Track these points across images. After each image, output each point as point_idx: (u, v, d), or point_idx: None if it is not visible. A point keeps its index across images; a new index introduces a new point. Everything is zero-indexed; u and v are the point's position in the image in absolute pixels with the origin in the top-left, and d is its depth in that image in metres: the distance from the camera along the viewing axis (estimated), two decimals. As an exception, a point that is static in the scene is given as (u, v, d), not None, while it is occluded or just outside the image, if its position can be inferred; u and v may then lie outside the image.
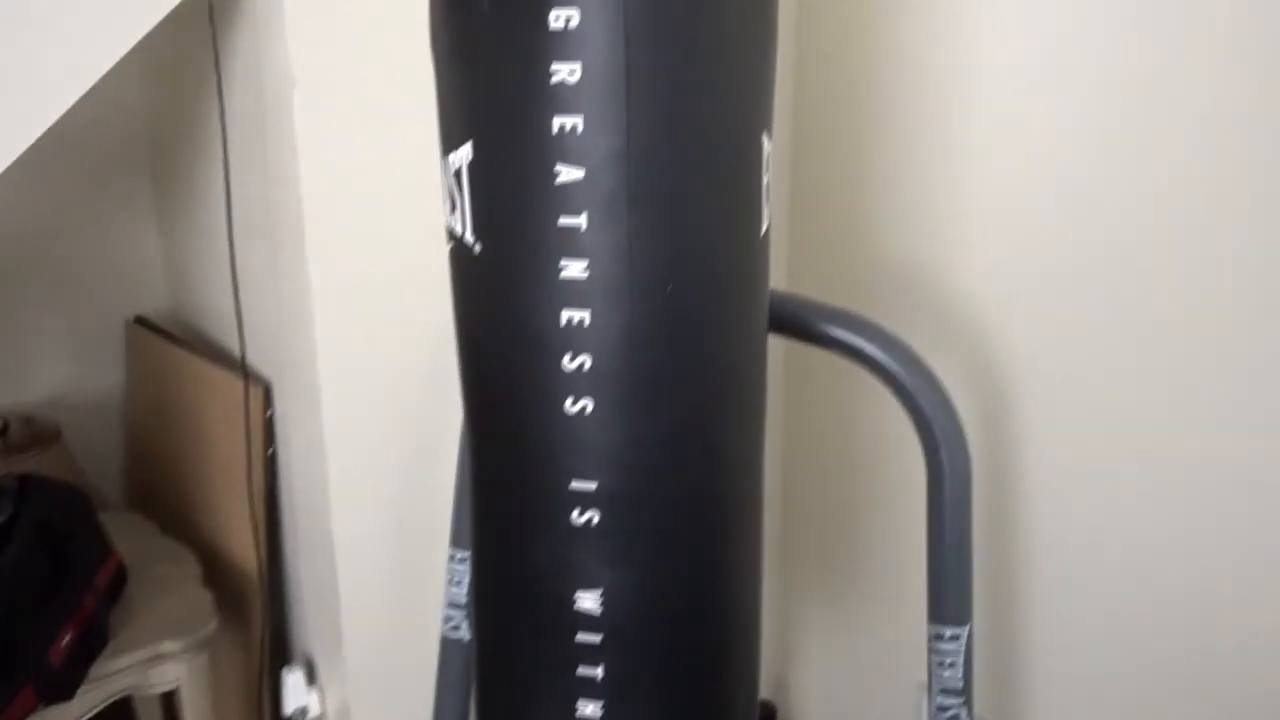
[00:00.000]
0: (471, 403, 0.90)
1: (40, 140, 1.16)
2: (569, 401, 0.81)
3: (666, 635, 0.86)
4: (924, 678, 1.60)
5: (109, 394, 1.92)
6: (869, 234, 1.58)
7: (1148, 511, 1.32)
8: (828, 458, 1.75)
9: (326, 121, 1.25)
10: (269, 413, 1.53)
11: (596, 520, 0.83)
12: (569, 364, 0.80)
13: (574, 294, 0.78)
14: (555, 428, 0.81)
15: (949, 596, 1.15)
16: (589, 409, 0.81)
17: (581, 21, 0.74)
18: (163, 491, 1.80)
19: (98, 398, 1.92)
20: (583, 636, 0.85)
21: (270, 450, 1.54)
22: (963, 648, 1.15)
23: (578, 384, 0.80)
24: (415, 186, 1.30)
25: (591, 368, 0.80)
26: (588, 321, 0.79)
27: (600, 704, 0.85)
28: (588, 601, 0.84)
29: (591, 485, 0.82)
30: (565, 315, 0.79)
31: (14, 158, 1.17)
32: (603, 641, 0.84)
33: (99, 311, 1.90)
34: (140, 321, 1.88)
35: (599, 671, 0.85)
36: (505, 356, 0.83)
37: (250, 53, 1.34)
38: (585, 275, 0.78)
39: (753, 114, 0.82)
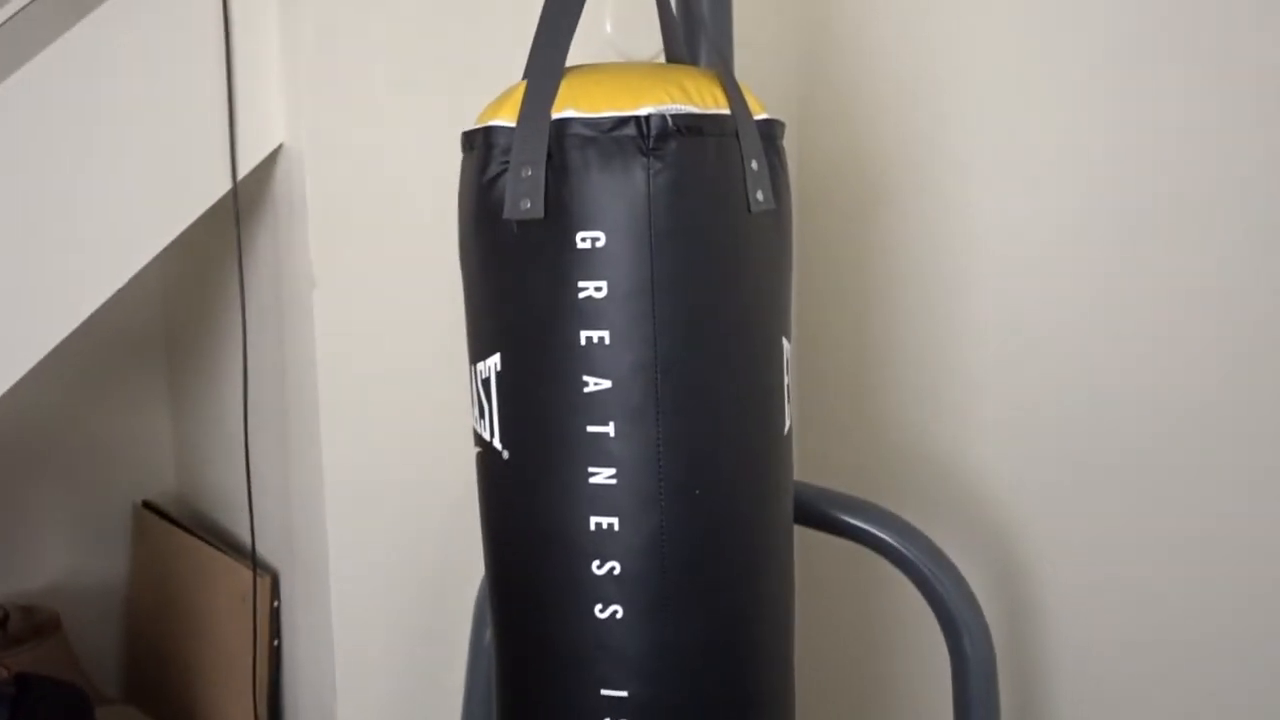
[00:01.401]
0: (498, 607, 0.89)
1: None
2: (598, 608, 0.80)
3: None
4: None
5: (112, 581, 1.89)
6: (877, 423, 1.60)
7: (1179, 700, 1.29)
8: (844, 647, 1.72)
9: (345, 321, 1.29)
10: (275, 604, 1.50)
11: (627, 730, 0.81)
12: (598, 570, 0.80)
13: (603, 500, 0.79)
14: (585, 634, 0.81)
15: (982, 788, 1.11)
16: (619, 614, 0.80)
17: (607, 242, 0.78)
18: (163, 683, 1.75)
19: (100, 584, 1.88)
20: None
21: (275, 642, 1.51)
22: (1000, 847, 1.11)
23: (607, 590, 0.80)
24: (430, 384, 1.33)
25: (621, 573, 0.80)
26: (617, 527, 0.79)
27: None
28: (619, 816, 0.82)
29: (623, 693, 0.81)
30: (594, 521, 0.80)
31: (43, 354, 1.19)
32: None
33: (106, 496, 1.89)
34: (148, 506, 1.87)
35: None
36: (534, 561, 0.83)
37: (271, 252, 1.39)
38: (614, 482, 0.79)
39: (772, 319, 0.85)
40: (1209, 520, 1.24)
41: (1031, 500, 1.40)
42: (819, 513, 1.13)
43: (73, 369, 1.84)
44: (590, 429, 0.79)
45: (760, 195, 0.82)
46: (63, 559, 1.86)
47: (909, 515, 1.13)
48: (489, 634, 1.28)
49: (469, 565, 1.29)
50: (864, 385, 1.61)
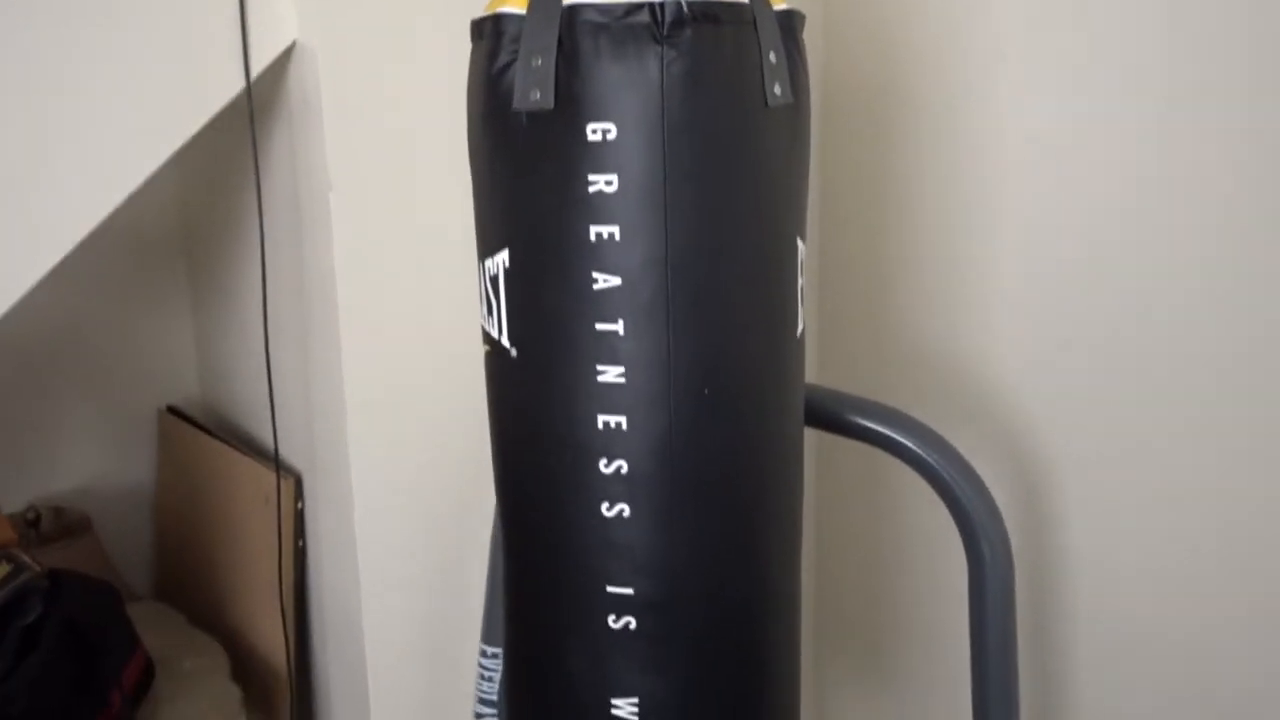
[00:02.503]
0: (507, 504, 0.89)
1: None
2: (605, 506, 0.80)
3: (706, 745, 0.84)
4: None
5: (140, 484, 1.93)
6: (896, 325, 1.58)
7: (1193, 595, 1.29)
8: (861, 551, 1.73)
9: (362, 224, 1.28)
10: (300, 505, 1.53)
11: (634, 625, 0.81)
12: (606, 468, 0.80)
13: (611, 399, 0.79)
14: (592, 532, 0.81)
15: (994, 692, 1.12)
16: (626, 513, 0.80)
17: (618, 135, 0.75)
18: (192, 582, 1.80)
19: (128, 487, 1.92)
20: (621, 745, 0.83)
21: (300, 543, 1.54)
22: (1009, 748, 1.12)
23: (615, 489, 0.80)
24: (448, 288, 1.32)
25: (629, 472, 0.79)
26: (625, 426, 0.79)
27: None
28: (625, 709, 0.83)
29: (629, 590, 0.81)
30: (602, 420, 0.79)
31: (60, 257, 1.19)
32: (642, 752, 0.82)
33: (131, 401, 1.91)
34: (172, 411, 1.90)
35: (638, 782, 0.83)
36: (542, 460, 0.83)
37: (287, 155, 1.37)
38: (622, 381, 0.78)
39: (787, 218, 0.83)
40: (1236, 431, 1.22)
41: (1052, 409, 1.39)
42: (838, 417, 1.12)
43: (94, 276, 1.85)
44: (599, 327, 0.78)
45: (778, 89, 0.79)
46: (91, 463, 1.89)
47: (927, 421, 1.12)
48: (501, 538, 1.31)
49: (489, 468, 1.30)
50: (884, 288, 1.59)
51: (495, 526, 1.30)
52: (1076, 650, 1.43)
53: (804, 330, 0.87)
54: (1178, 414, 1.27)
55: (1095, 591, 1.39)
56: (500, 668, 1.31)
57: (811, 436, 1.38)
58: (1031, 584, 1.46)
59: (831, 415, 1.13)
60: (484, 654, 1.31)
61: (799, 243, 0.85)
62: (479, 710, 1.31)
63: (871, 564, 1.72)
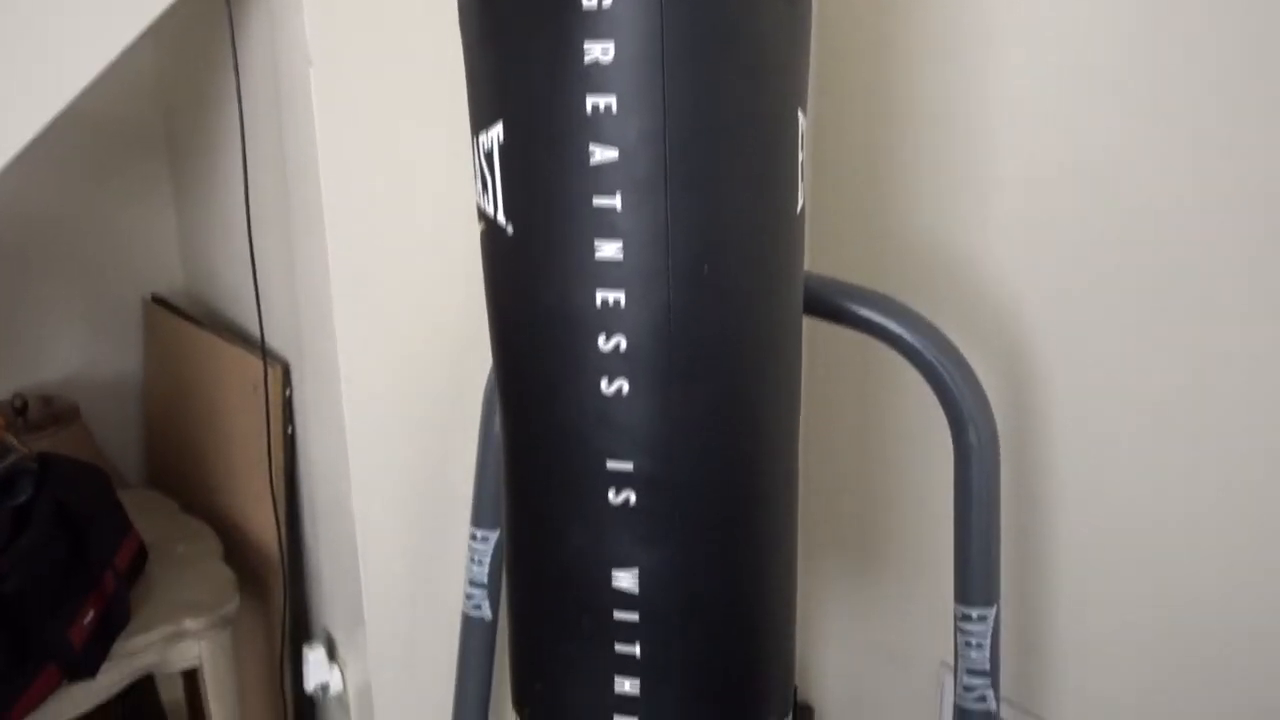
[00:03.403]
0: (505, 384, 0.89)
1: (56, 122, 1.15)
2: (604, 382, 0.80)
3: (704, 615, 0.86)
4: (948, 658, 1.60)
5: (127, 373, 1.92)
6: (890, 211, 1.57)
7: (1179, 490, 1.31)
8: (848, 436, 1.75)
9: (344, 101, 1.24)
10: (287, 392, 1.52)
11: (633, 500, 0.82)
12: (604, 345, 0.79)
13: (609, 275, 0.78)
14: (590, 409, 0.81)
15: (976, 576, 1.14)
16: (624, 390, 0.80)
17: (614, 1, 0.73)
18: (182, 470, 1.80)
19: (115, 377, 1.92)
20: (620, 615, 0.85)
21: (289, 429, 1.54)
22: (990, 628, 1.15)
23: (613, 365, 0.80)
24: (434, 166, 1.29)
25: (627, 349, 0.79)
26: (623, 302, 0.78)
27: (637, 681, 0.85)
28: (625, 581, 0.84)
29: (628, 466, 0.81)
30: (600, 296, 0.78)
31: (32, 135, 1.16)
32: (640, 620, 0.84)
33: (115, 291, 1.90)
34: (157, 300, 1.88)
35: (636, 649, 0.85)
36: (540, 338, 0.82)
37: (266, 32, 1.32)
38: (620, 257, 0.77)
39: (788, 90, 0.81)
40: (1227, 334, 1.23)
41: (1044, 304, 1.39)
42: (828, 303, 1.12)
43: (74, 165, 1.81)
44: (597, 201, 0.76)
45: (781, -47, 0.76)
46: (77, 352, 1.88)
47: (917, 304, 1.12)
48: (499, 419, 1.31)
49: (478, 351, 1.29)
50: (878, 174, 1.57)
51: (486, 407, 1.31)
52: (1058, 541, 1.46)
53: (804, 206, 0.86)
54: (1174, 310, 1.27)
55: (1079, 485, 1.42)
56: (490, 550, 1.33)
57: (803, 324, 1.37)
58: (1016, 476, 1.48)
59: (821, 301, 1.13)
60: (474, 537, 1.33)
61: (800, 115, 0.83)
62: (469, 592, 1.34)
63: (859, 452, 1.74)
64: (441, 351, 1.37)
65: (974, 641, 1.16)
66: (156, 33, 1.20)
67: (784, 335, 0.86)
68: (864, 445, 1.73)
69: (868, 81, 1.55)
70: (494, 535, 1.32)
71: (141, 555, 1.44)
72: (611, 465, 0.82)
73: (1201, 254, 1.22)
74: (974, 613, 1.15)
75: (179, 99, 1.79)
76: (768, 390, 0.86)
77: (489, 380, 1.29)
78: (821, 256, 1.69)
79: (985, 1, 1.36)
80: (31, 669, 1.20)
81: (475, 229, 1.25)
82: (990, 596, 1.15)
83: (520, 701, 0.96)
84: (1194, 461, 1.29)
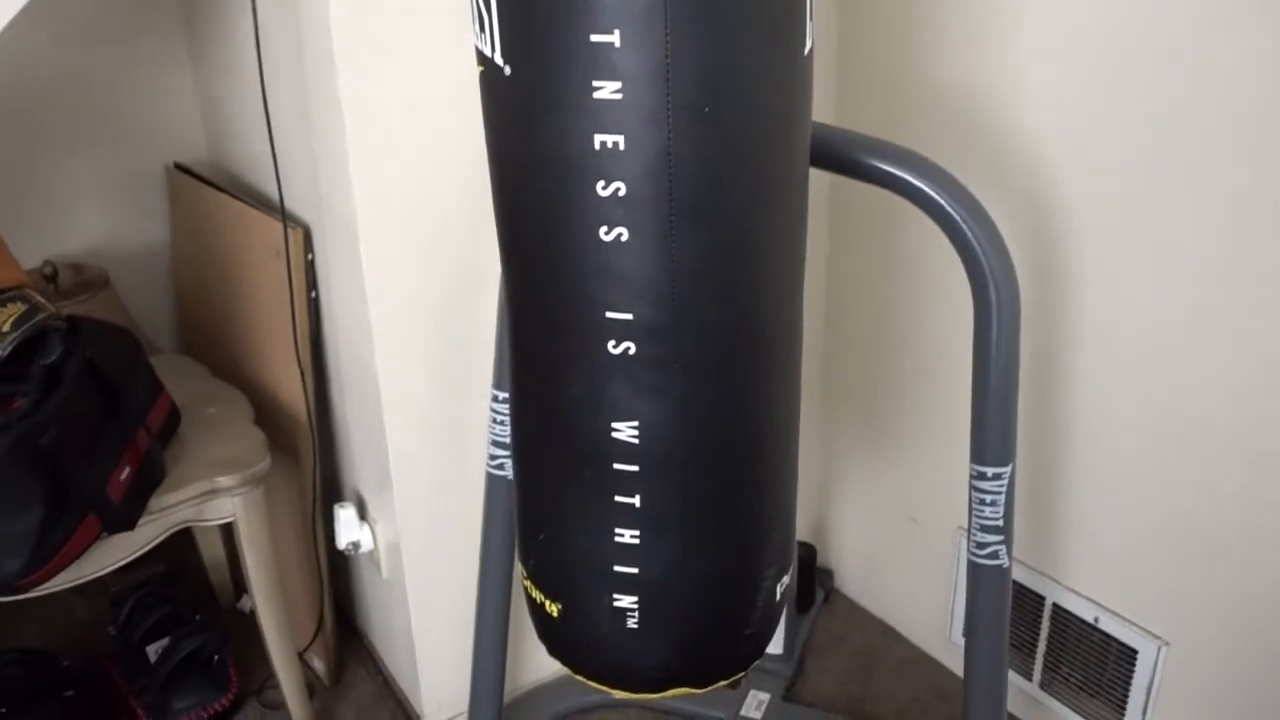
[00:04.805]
0: (505, 234, 0.88)
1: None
2: (603, 230, 0.79)
3: (703, 466, 0.86)
4: (962, 519, 1.62)
5: (153, 241, 1.94)
6: (917, 60, 1.51)
7: (1195, 354, 1.29)
8: (869, 294, 1.73)
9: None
10: (310, 256, 1.53)
11: (633, 351, 0.82)
12: (603, 190, 0.77)
13: (607, 117, 0.75)
14: (589, 257, 0.80)
15: (993, 435, 1.14)
16: (624, 237, 0.78)
17: None
18: (211, 335, 1.83)
19: (143, 245, 1.93)
20: (620, 466, 0.86)
21: (313, 294, 1.55)
22: (1005, 486, 1.15)
23: (612, 211, 0.78)
24: (448, 18, 1.26)
25: (626, 194, 0.77)
26: (622, 146, 0.76)
27: (637, 532, 0.86)
28: (624, 433, 0.84)
29: (627, 316, 0.81)
30: (598, 140, 0.76)
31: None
32: (640, 471, 0.85)
33: (138, 159, 1.89)
34: (180, 168, 1.88)
35: (636, 500, 0.85)
36: (538, 183, 0.81)
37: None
38: (619, 97, 0.75)
39: (797, -80, 0.77)
40: (1259, 204, 1.18)
41: (1072, 161, 1.34)
42: (846, 156, 1.09)
43: (91, 33, 1.78)
44: (594, 38, 0.73)
45: None
46: (104, 220, 1.89)
47: (942, 158, 1.09)
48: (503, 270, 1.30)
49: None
50: (906, 21, 1.51)
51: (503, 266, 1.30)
52: (1076, 404, 1.44)
53: (813, 48, 0.83)
54: (1204, 176, 1.22)
55: (1101, 348, 1.39)
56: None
57: (824, 176, 1.35)
58: (1035, 337, 1.46)
59: (837, 153, 1.09)
60: (495, 398, 1.34)
61: (809, -54, 0.79)
62: (492, 451, 1.36)
63: (877, 312, 1.72)
64: (461, 209, 1.36)
65: (988, 499, 1.16)
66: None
67: (788, 181, 0.84)
68: (883, 304, 1.71)
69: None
70: (514, 396, 1.32)
71: (174, 417, 1.47)
72: (610, 315, 0.81)
73: (1241, 116, 1.17)
74: (989, 471, 1.15)
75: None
76: (770, 238, 0.84)
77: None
78: (844, 107, 1.64)
79: None
80: (73, 519, 1.25)
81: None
82: (1005, 456, 1.15)
83: (525, 554, 0.98)
84: (1220, 324, 1.26)
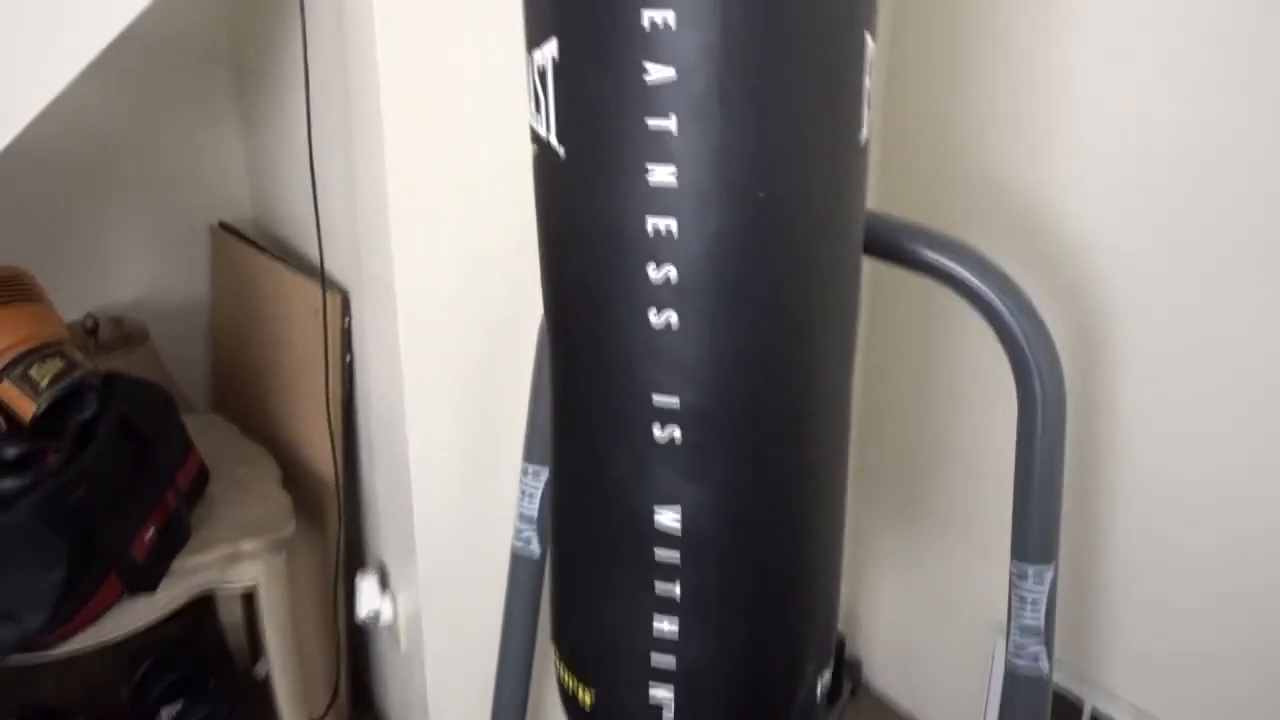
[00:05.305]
0: (554, 312, 0.87)
1: (125, 44, 1.15)
2: (653, 313, 0.78)
3: (746, 555, 0.84)
4: (1000, 616, 1.57)
5: (194, 298, 1.95)
6: (964, 149, 1.51)
7: (1238, 457, 1.26)
8: (910, 382, 1.71)
9: (406, 28, 1.22)
10: (347, 321, 1.53)
11: (678, 436, 0.80)
12: (654, 274, 0.77)
13: (661, 200, 0.75)
14: (638, 340, 0.79)
15: (1035, 532, 1.11)
16: (673, 322, 0.78)
17: (676, -92, 0.69)
18: (244, 395, 1.83)
19: (184, 302, 1.95)
20: (661, 553, 0.84)
21: (348, 358, 1.55)
22: (1046, 587, 1.11)
23: (663, 295, 0.77)
24: (494, 94, 1.27)
25: (678, 278, 0.76)
26: (675, 230, 0.75)
27: (676, 621, 0.84)
28: (667, 518, 0.83)
29: (674, 400, 0.79)
30: (652, 223, 0.76)
31: (90, 59, 1.16)
32: (681, 559, 0.82)
33: (184, 216, 1.92)
34: (224, 227, 1.90)
35: (676, 588, 0.83)
36: (589, 264, 0.80)
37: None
38: (674, 181, 0.74)
39: (855, 9, 0.77)
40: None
41: (1115, 250, 1.33)
42: (891, 243, 1.08)
43: (144, 90, 1.82)
44: (651, 122, 0.73)
45: None
46: (146, 276, 1.91)
47: (986, 248, 1.08)
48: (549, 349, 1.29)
49: (534, 283, 1.27)
50: (953, 115, 1.51)
51: (540, 340, 1.30)
52: (1120, 500, 1.41)
53: (869, 138, 0.82)
54: (1251, 273, 1.20)
55: (1146, 441, 1.36)
56: (541, 487, 1.32)
57: (867, 261, 1.34)
58: (1078, 430, 1.43)
59: (883, 240, 1.09)
60: (525, 472, 1.32)
61: (868, 38, 0.79)
62: (519, 527, 1.33)
63: (918, 400, 1.70)
64: (498, 282, 1.36)
65: (1029, 599, 1.12)
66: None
67: (841, 270, 0.83)
68: (924, 392, 1.69)
69: (952, 18, 1.49)
70: (545, 471, 1.31)
71: (203, 476, 1.47)
72: (658, 400, 0.80)
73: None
74: (1030, 570, 1.11)
75: (245, 23, 1.79)
76: (821, 327, 0.82)
77: (543, 317, 1.28)
78: (887, 194, 1.64)
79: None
80: (96, 577, 1.24)
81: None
82: (1049, 554, 1.11)
83: (558, 636, 0.95)
84: (1267, 429, 1.23)
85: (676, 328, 0.78)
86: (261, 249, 1.75)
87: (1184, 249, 1.27)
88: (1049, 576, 1.11)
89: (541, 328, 1.29)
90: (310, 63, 1.41)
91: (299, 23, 1.39)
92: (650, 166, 0.75)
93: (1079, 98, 1.35)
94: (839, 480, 0.91)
